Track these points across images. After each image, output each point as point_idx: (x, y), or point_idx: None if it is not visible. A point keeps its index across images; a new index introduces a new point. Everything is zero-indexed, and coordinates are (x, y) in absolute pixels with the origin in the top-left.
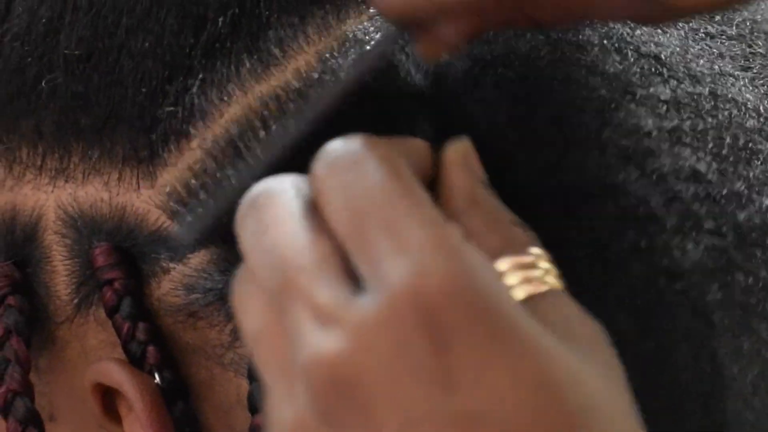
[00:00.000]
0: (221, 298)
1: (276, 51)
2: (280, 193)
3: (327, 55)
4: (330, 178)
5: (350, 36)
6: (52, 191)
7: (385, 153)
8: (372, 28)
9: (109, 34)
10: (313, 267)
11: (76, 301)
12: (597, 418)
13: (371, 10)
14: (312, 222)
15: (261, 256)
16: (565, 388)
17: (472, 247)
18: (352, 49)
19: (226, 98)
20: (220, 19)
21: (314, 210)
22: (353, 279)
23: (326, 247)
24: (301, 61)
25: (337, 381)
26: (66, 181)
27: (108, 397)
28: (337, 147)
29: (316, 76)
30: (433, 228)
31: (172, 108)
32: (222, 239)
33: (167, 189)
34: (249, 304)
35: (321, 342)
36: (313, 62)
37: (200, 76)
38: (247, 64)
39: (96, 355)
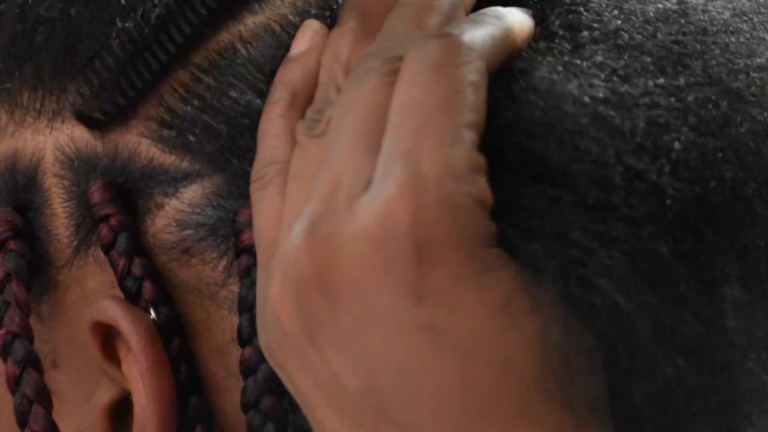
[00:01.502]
0: (213, 234)
1: None
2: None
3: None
4: (414, 62)
5: None
6: (50, 133)
7: (475, 59)
8: None
9: None
10: (354, 147)
11: (75, 242)
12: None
13: None
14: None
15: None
16: (525, 314)
17: (483, 180)
18: None
19: (214, 27)
20: None
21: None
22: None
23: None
24: None
25: (317, 262)
26: (62, 122)
27: (108, 342)
28: (436, 40)
29: (312, 11)
30: (455, 153)
31: (156, 37)
32: (215, 169)
33: (148, 113)
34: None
35: (319, 221)
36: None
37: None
38: None
39: (96, 297)
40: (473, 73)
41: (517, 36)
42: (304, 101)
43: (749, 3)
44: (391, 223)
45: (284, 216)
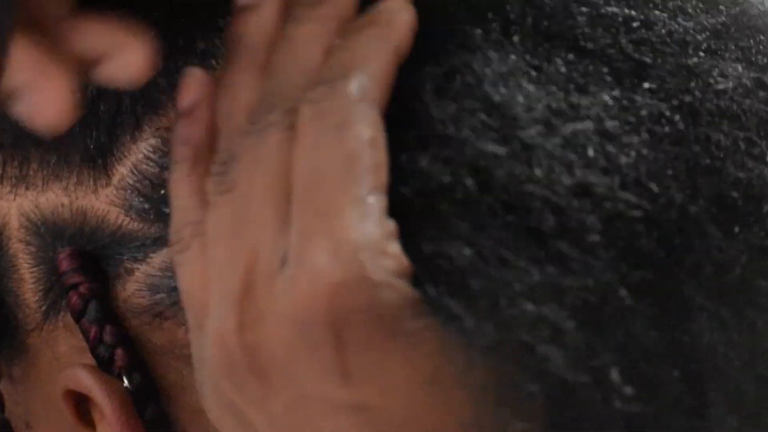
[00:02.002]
0: None
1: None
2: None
3: None
4: (310, 121)
5: None
6: (14, 199)
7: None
8: None
9: None
10: (265, 216)
11: (44, 308)
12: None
13: None
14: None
15: None
16: (455, 388)
17: (396, 247)
18: None
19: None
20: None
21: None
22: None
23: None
24: None
25: (247, 348)
26: (27, 189)
27: (82, 405)
28: (328, 94)
29: None
30: (365, 225)
31: (120, 102)
32: None
33: (122, 182)
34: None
35: (242, 306)
36: None
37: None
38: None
39: (67, 361)
40: (369, 128)
41: (403, 47)
42: (208, 155)
43: (723, 26)
44: (308, 308)
45: (210, 280)
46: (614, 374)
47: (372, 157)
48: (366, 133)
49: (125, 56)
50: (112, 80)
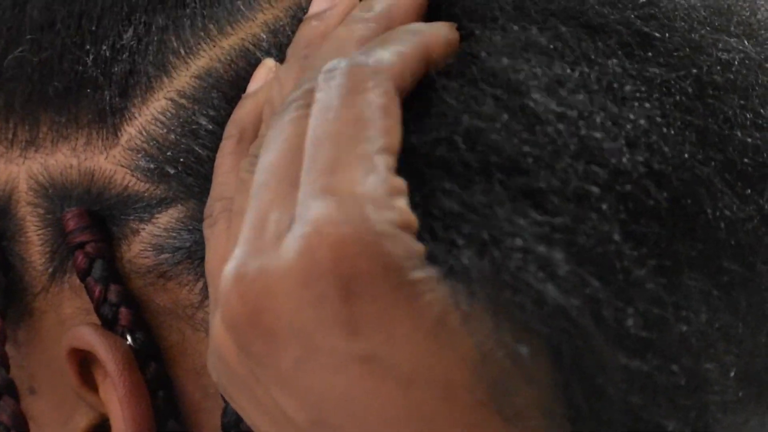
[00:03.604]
0: (189, 257)
1: (243, 6)
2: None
3: (296, 9)
4: (322, 92)
5: None
6: (23, 162)
7: (382, 81)
8: None
9: (70, 0)
10: (273, 196)
11: (50, 270)
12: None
13: None
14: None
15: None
16: (459, 333)
17: (402, 202)
18: None
19: (192, 52)
20: None
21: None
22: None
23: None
24: (269, 14)
25: (249, 305)
26: (36, 151)
27: (85, 367)
28: (343, 64)
29: (286, 29)
30: (371, 179)
31: (133, 65)
32: (190, 194)
33: (130, 143)
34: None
35: (245, 263)
36: (282, 16)
37: (162, 32)
38: (213, 19)
39: (72, 323)
40: (381, 96)
41: (434, 49)
42: (252, 138)
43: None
44: (314, 261)
45: (228, 252)
46: (609, 309)
47: (384, 119)
48: (379, 99)
49: None
50: None
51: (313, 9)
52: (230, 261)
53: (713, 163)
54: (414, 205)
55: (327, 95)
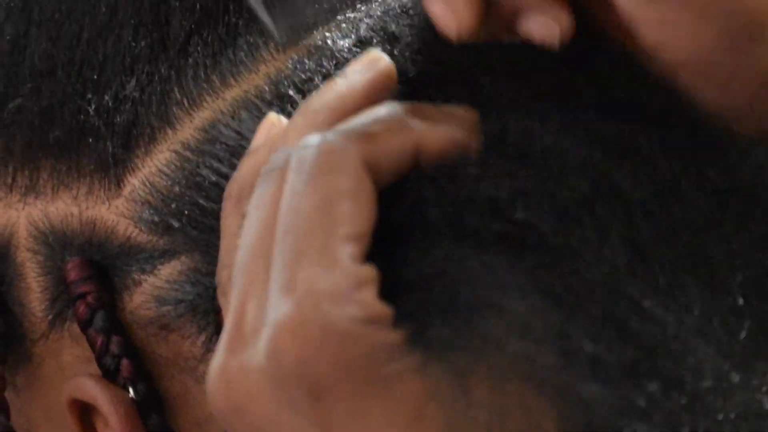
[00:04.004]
0: (192, 310)
1: (246, 58)
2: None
3: (298, 61)
4: (294, 170)
5: (320, 44)
6: (23, 208)
7: (347, 163)
8: (341, 36)
9: (71, 47)
10: (251, 283)
11: (50, 317)
12: None
13: (338, 18)
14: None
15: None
16: (439, 421)
17: (369, 294)
18: (322, 56)
19: (195, 104)
20: (184, 27)
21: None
22: None
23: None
24: (272, 67)
25: (232, 403)
26: (36, 198)
27: (85, 414)
28: (309, 147)
29: (289, 80)
30: (334, 275)
31: (136, 115)
32: (193, 246)
33: (133, 194)
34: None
35: (228, 359)
36: (283, 68)
37: (165, 83)
38: (216, 71)
39: (72, 371)
40: (348, 180)
41: (426, 144)
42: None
43: None
44: (280, 364)
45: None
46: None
47: (350, 204)
48: (345, 183)
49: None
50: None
51: (351, 68)
52: (214, 358)
53: None
54: (392, 286)
55: (297, 176)
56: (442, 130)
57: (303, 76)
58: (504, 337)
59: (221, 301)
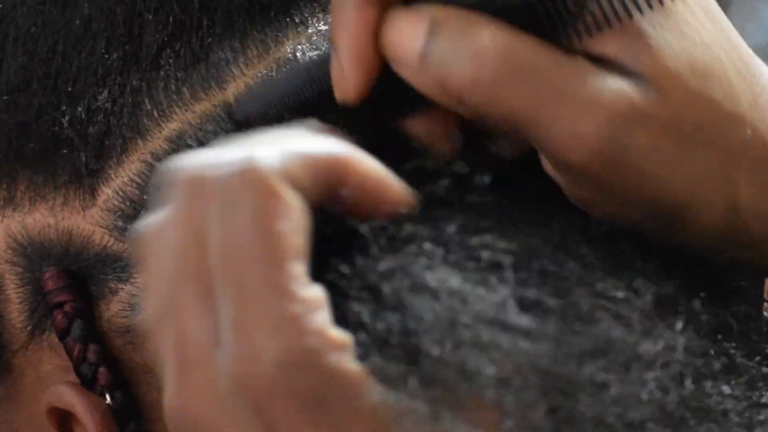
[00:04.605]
0: None
1: (216, 73)
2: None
3: (266, 76)
4: (214, 205)
5: (289, 57)
6: (2, 221)
7: (276, 188)
8: (308, 48)
9: (46, 60)
10: (191, 299)
11: (29, 327)
12: None
13: (309, 31)
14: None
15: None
16: None
17: (321, 317)
18: (290, 68)
19: (165, 115)
20: (156, 40)
21: None
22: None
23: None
24: (241, 83)
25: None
26: (14, 210)
27: (65, 422)
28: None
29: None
30: (280, 305)
31: (108, 126)
32: None
33: (107, 203)
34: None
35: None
36: (252, 83)
37: (136, 94)
38: (187, 84)
39: (51, 380)
40: (278, 201)
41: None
42: None
43: None
44: (236, 394)
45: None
46: None
47: (283, 224)
48: (273, 202)
49: None
50: None
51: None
52: (165, 391)
53: None
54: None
55: (220, 199)
56: (374, 165)
57: None
58: None
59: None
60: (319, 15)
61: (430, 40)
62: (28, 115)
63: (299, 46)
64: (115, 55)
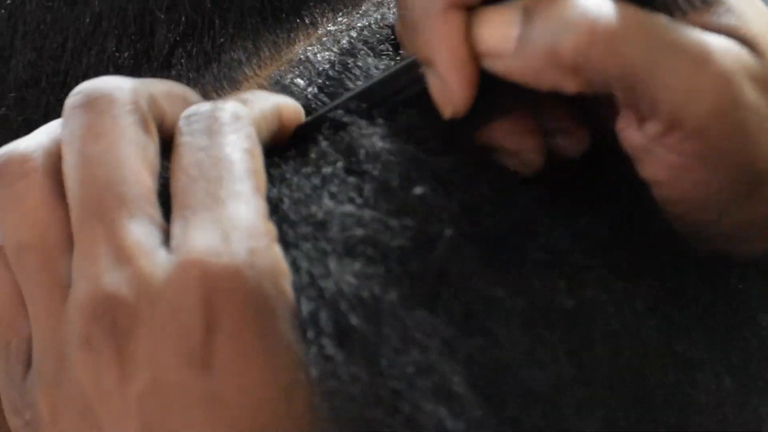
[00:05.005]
0: None
1: (228, 73)
2: (124, 113)
3: (278, 77)
4: (187, 135)
5: (301, 58)
6: None
7: (242, 127)
8: (319, 49)
9: (55, 57)
10: (134, 202)
11: None
12: None
13: (319, 32)
14: (146, 153)
15: (80, 163)
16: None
17: (277, 249)
18: (303, 69)
19: None
20: (168, 39)
21: (146, 131)
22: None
23: (150, 183)
24: (254, 83)
25: (110, 322)
26: None
27: None
28: (204, 108)
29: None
30: (251, 216)
31: None
32: None
33: None
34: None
35: (108, 279)
36: (265, 84)
37: None
38: (199, 84)
39: None
40: (245, 140)
41: (286, 112)
42: None
43: None
44: (187, 290)
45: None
46: None
47: (249, 162)
48: (242, 142)
49: None
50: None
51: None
52: (88, 269)
53: None
54: None
55: (192, 138)
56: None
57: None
58: None
59: None
60: (329, 15)
61: (526, 22)
62: (36, 112)
63: (309, 47)
64: (126, 54)
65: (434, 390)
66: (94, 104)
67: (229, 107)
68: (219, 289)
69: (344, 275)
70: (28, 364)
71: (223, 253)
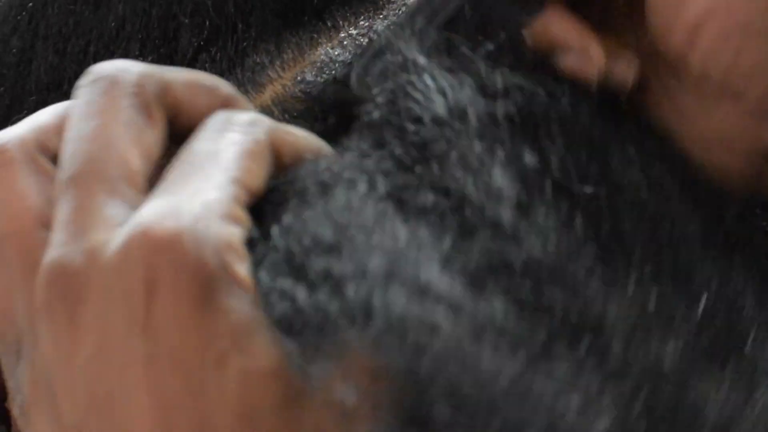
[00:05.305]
0: None
1: (252, 77)
2: (124, 95)
3: (302, 78)
4: (200, 131)
5: (324, 59)
6: None
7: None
8: (342, 51)
9: (77, 60)
10: (112, 182)
11: None
12: None
13: (341, 35)
14: (141, 137)
15: (73, 137)
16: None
17: (238, 233)
18: (326, 70)
19: None
20: (192, 43)
21: (147, 115)
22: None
23: (137, 166)
24: (278, 85)
25: (64, 289)
26: None
27: None
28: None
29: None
30: (213, 195)
31: None
32: None
33: None
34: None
35: (66, 249)
36: (290, 85)
37: None
38: None
39: None
40: (251, 138)
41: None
42: None
43: None
44: (132, 253)
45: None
46: None
47: (242, 161)
48: (242, 142)
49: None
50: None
51: None
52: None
53: None
54: None
55: (203, 133)
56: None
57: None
58: None
59: None
60: (351, 19)
61: None
62: None
63: (331, 50)
64: (149, 58)
65: None
66: (97, 84)
67: (251, 114)
68: (160, 254)
69: None
70: (20, 353)
71: (168, 220)
